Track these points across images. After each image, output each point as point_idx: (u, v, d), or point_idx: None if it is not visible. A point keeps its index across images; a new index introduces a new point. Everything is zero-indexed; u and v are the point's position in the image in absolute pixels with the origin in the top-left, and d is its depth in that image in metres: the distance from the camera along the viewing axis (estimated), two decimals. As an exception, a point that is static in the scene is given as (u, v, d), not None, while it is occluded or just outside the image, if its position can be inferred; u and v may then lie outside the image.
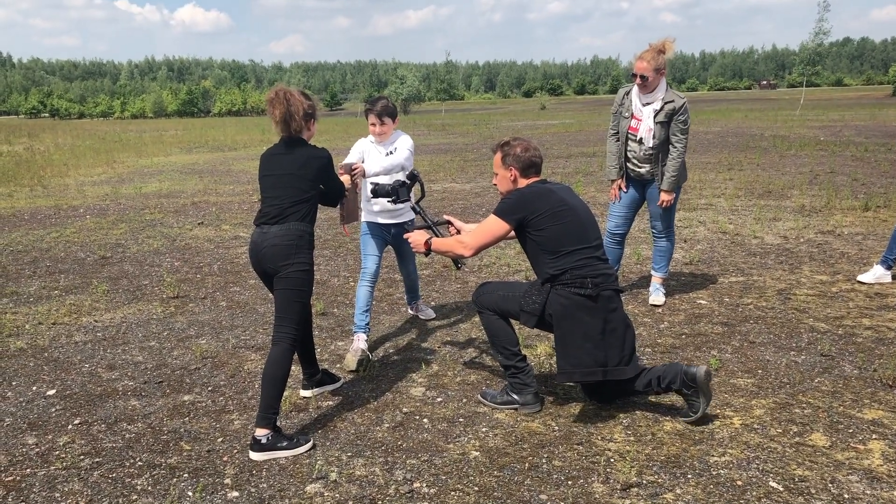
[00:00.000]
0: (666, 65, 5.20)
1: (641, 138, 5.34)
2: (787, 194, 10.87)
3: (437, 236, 4.07)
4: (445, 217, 4.32)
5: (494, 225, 3.78)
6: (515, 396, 3.90)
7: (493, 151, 3.97)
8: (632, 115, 5.38)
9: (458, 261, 4.19)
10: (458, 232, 4.24)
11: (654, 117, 5.27)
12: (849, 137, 20.39)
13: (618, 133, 5.53)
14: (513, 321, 3.96)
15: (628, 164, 5.53)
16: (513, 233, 3.83)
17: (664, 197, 5.41)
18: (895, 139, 19.39)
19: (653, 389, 3.74)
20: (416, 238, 4.02)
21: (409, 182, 4.36)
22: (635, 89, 5.36)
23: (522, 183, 3.87)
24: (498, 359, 3.96)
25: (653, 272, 5.82)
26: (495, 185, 4.01)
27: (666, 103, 5.24)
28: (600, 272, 3.67)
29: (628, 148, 5.46)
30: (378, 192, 4.33)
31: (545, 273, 3.71)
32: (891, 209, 9.33)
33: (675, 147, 5.29)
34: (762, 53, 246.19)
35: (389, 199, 4.34)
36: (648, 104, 5.30)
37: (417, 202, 4.43)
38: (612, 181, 5.66)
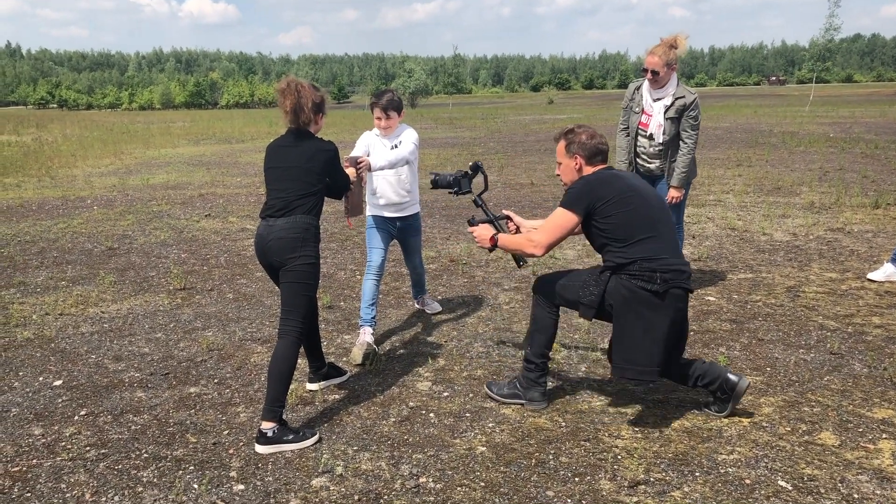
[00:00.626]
0: (677, 60, 5.15)
1: (651, 134, 5.31)
2: (797, 191, 10.81)
3: (497, 231, 3.93)
4: (505, 212, 4.16)
5: (563, 218, 3.59)
6: (521, 391, 3.85)
7: (556, 140, 3.81)
8: (642, 111, 5.35)
9: (520, 259, 3.99)
10: (518, 228, 4.10)
11: (665, 113, 5.23)
12: (859, 134, 20.27)
13: (628, 128, 5.49)
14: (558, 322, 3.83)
15: (638, 159, 5.49)
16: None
17: (673, 193, 5.37)
18: (905, 136, 19.26)
19: (688, 384, 3.70)
20: (482, 233, 3.84)
21: (470, 173, 4.17)
22: (646, 84, 5.32)
23: (588, 171, 3.70)
24: (526, 349, 3.86)
25: None
26: (558, 175, 3.84)
27: (677, 99, 5.20)
28: (672, 267, 3.47)
29: (638, 143, 5.43)
30: (438, 182, 4.18)
31: (612, 261, 3.53)
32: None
33: (686, 143, 5.26)
34: (772, 49, 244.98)
35: (451, 191, 4.18)
36: (659, 99, 5.26)
37: (479, 195, 4.21)
38: None
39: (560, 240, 3.63)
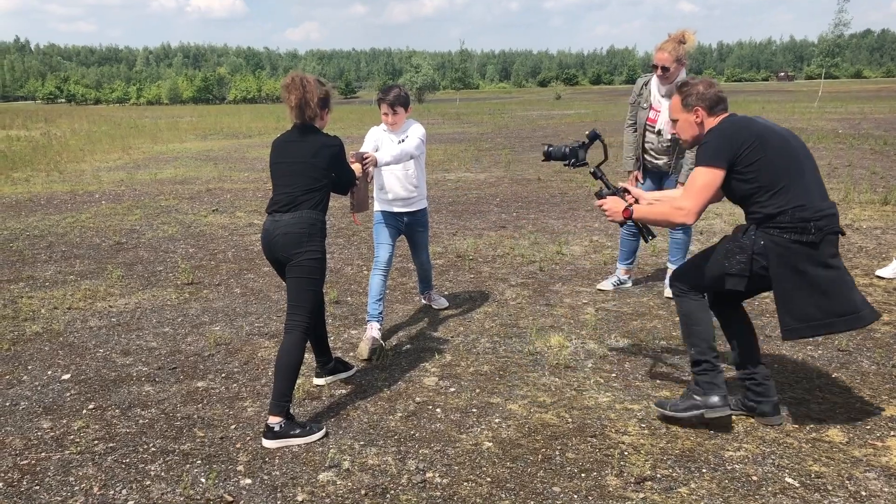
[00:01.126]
0: (686, 55, 5.12)
1: (660, 130, 5.29)
2: (805, 187, 10.75)
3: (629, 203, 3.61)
4: (621, 185, 3.81)
5: (707, 176, 3.28)
6: (700, 399, 3.48)
7: (668, 96, 3.54)
8: (650, 107, 5.33)
9: (648, 233, 3.68)
10: (636, 201, 3.73)
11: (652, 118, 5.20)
12: (868, 130, 20.15)
13: (635, 124, 5.48)
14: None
15: (646, 155, 5.48)
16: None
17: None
18: (915, 132, 19.15)
19: (738, 371, 3.59)
20: (614, 206, 3.52)
21: (587, 142, 3.85)
22: (654, 80, 5.30)
23: (711, 122, 3.43)
24: (690, 352, 3.54)
25: (669, 264, 5.77)
26: (674, 133, 3.59)
27: None
28: (824, 213, 3.22)
29: (646, 139, 5.41)
30: (552, 154, 3.90)
31: (759, 212, 3.27)
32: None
33: None
34: (780, 44, 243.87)
35: (565, 163, 3.89)
36: (667, 95, 5.24)
37: (598, 166, 3.81)
38: (629, 172, 5.61)
39: (708, 201, 3.34)
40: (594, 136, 3.83)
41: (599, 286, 5.92)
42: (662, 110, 5.25)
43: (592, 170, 3.80)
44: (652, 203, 3.68)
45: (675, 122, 3.58)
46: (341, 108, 50.02)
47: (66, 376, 4.38)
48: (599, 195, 3.66)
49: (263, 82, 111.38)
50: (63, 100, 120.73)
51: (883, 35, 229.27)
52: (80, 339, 5.03)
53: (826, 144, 16.60)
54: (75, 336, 5.09)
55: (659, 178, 5.52)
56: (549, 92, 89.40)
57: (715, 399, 3.44)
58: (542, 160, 4.04)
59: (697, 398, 3.48)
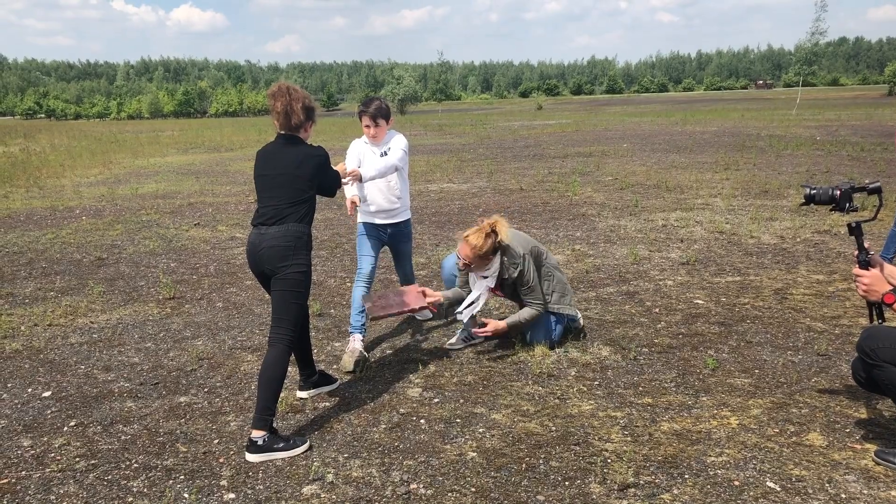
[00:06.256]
0: (497, 245, 4.58)
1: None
2: (784, 194, 10.88)
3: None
4: (870, 249, 3.23)
5: None
6: None
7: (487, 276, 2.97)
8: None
9: (880, 317, 3.22)
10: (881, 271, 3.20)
11: (495, 289, 4.80)
12: (845, 137, 20.42)
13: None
14: None
15: None
16: None
17: (495, 327, 4.66)
18: (891, 139, 19.41)
19: None
20: (875, 285, 3.05)
21: (859, 189, 3.39)
22: None
23: None
24: None
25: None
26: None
27: (502, 278, 4.72)
28: None
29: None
30: (818, 198, 3.43)
31: None
32: (887, 209, 9.34)
33: (532, 305, 4.72)
34: (758, 53, 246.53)
35: (832, 208, 3.46)
36: (484, 277, 4.73)
37: (860, 222, 3.35)
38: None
39: None
40: (876, 191, 3.37)
41: (450, 342, 5.00)
42: (481, 291, 4.75)
43: (853, 223, 3.35)
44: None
45: None
46: (323, 120, 49.99)
47: (47, 393, 4.35)
48: (863, 263, 3.18)
49: (245, 95, 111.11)
50: (42, 115, 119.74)
51: (858, 43, 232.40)
52: (60, 355, 4.99)
53: (804, 151, 16.80)
54: (56, 353, 5.05)
55: None
56: (530, 102, 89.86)
57: None
58: (802, 204, 3.60)
59: None
